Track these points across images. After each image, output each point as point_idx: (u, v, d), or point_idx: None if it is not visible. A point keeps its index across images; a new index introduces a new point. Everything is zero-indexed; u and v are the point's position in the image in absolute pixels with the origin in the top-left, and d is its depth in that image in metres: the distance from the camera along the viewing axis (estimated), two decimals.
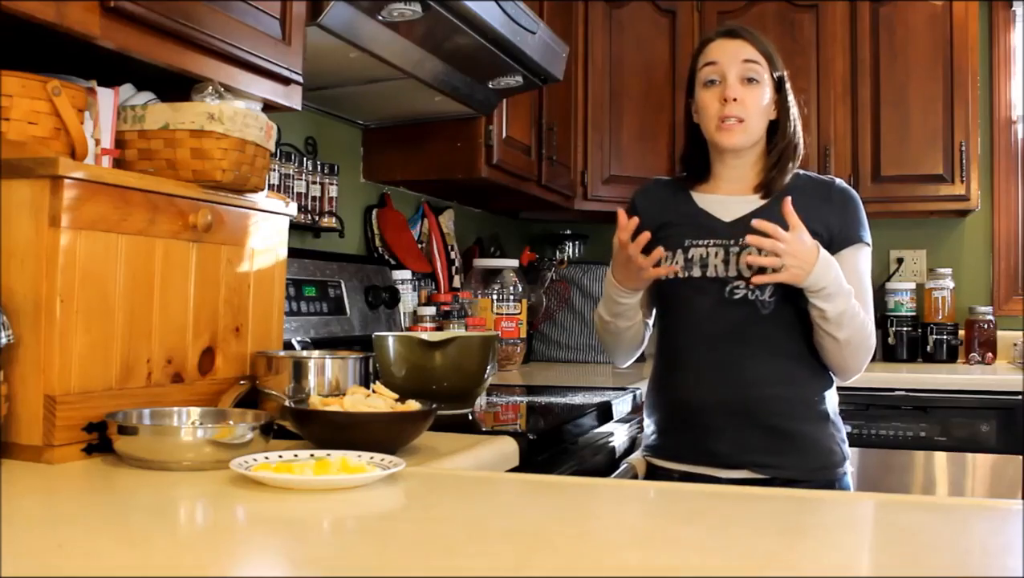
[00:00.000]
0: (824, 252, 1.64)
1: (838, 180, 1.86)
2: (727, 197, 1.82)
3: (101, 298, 1.25)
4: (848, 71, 3.37)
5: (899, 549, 0.89)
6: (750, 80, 1.77)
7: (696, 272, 1.75)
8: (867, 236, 1.80)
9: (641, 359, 2.05)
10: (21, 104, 1.20)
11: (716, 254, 1.74)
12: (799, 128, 1.84)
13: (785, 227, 1.62)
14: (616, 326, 1.84)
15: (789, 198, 1.64)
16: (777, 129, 1.82)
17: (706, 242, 1.76)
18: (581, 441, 1.90)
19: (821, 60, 3.37)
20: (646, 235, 1.67)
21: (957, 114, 3.26)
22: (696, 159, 1.88)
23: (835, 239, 1.75)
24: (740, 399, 1.71)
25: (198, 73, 1.39)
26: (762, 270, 1.67)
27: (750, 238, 1.61)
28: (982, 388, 2.90)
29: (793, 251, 1.60)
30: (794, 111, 1.84)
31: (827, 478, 1.73)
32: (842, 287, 1.65)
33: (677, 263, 1.76)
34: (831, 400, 1.79)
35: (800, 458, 1.72)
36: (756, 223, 1.61)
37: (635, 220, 1.68)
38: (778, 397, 1.72)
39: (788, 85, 1.84)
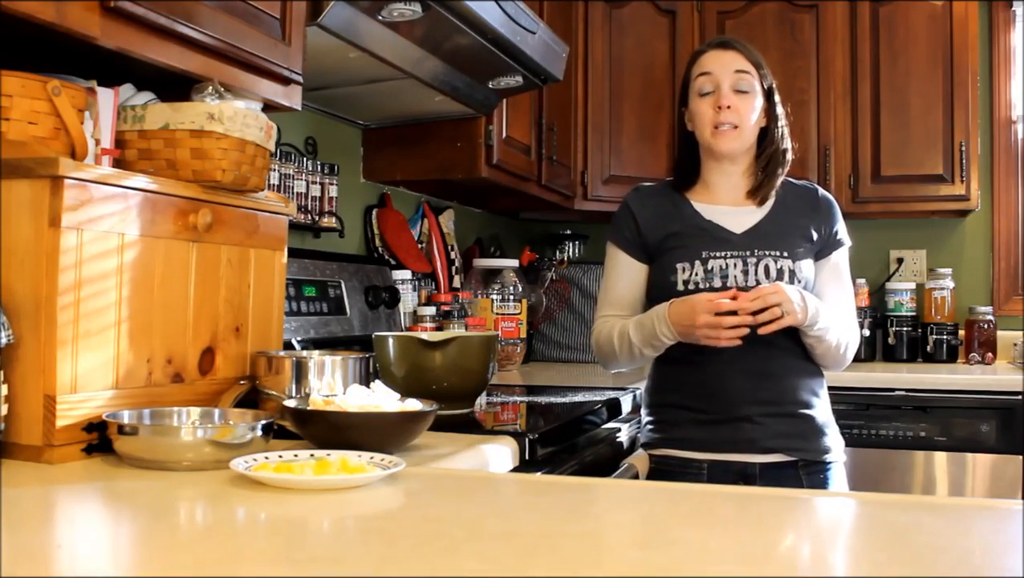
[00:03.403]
0: (807, 294, 1.78)
1: (819, 187, 2.00)
2: (728, 208, 1.91)
3: (101, 298, 1.25)
4: (848, 71, 3.36)
5: (899, 549, 0.89)
6: (742, 90, 1.87)
7: (717, 282, 1.82)
8: (847, 237, 1.96)
9: None
10: (21, 104, 1.20)
11: (735, 265, 1.82)
12: (787, 134, 1.94)
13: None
14: (642, 353, 1.87)
15: (762, 291, 1.72)
16: (766, 136, 1.92)
17: (723, 254, 1.83)
18: (581, 441, 1.89)
19: (821, 60, 3.37)
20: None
21: (957, 114, 3.26)
22: (687, 166, 1.96)
23: (826, 244, 1.90)
24: (769, 389, 1.83)
25: (198, 73, 1.39)
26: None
27: (749, 301, 1.70)
28: (982, 388, 2.90)
29: (784, 299, 1.72)
30: (782, 119, 1.94)
31: (836, 458, 1.88)
32: (827, 317, 1.80)
33: (697, 274, 1.83)
34: (825, 389, 1.94)
35: (818, 441, 1.85)
36: (740, 304, 1.70)
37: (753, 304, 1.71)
38: (796, 386, 1.85)
39: (777, 96, 1.93)
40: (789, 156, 1.93)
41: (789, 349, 1.84)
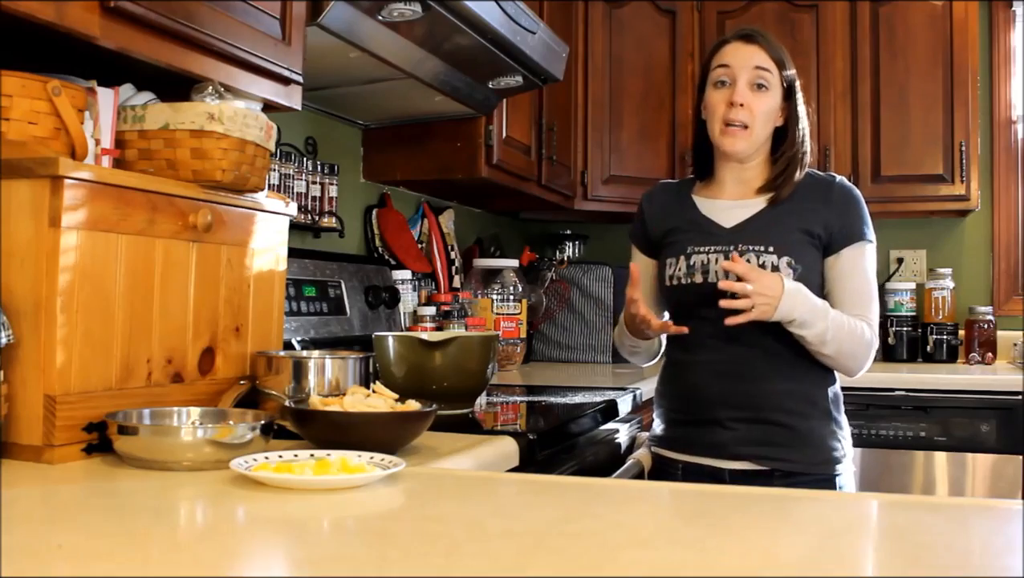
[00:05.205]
0: (788, 282, 1.67)
1: (839, 178, 1.87)
2: (730, 201, 1.85)
3: (101, 298, 1.25)
4: (848, 71, 3.37)
5: (899, 549, 0.89)
6: (759, 86, 1.79)
7: (698, 278, 1.79)
8: (870, 233, 1.82)
9: None
10: (21, 104, 1.20)
11: (717, 260, 1.77)
12: (807, 135, 1.86)
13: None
14: (638, 346, 1.93)
15: (733, 259, 1.69)
16: (785, 136, 1.84)
17: (707, 248, 1.79)
18: (581, 441, 1.90)
19: (821, 60, 3.37)
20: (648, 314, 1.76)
21: (957, 114, 3.26)
22: (702, 156, 1.91)
23: (835, 238, 1.78)
24: (744, 394, 1.76)
25: (198, 73, 1.39)
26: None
27: (723, 284, 1.66)
28: (982, 388, 2.90)
29: (760, 289, 1.64)
30: (803, 119, 1.85)
31: (826, 473, 1.76)
32: (815, 311, 1.69)
33: (680, 269, 1.81)
34: (834, 397, 1.82)
35: (800, 452, 1.75)
36: (724, 265, 1.67)
37: (637, 277, 1.78)
38: (781, 393, 1.76)
39: (799, 94, 1.85)
40: (807, 158, 1.85)
41: (776, 351, 1.75)
